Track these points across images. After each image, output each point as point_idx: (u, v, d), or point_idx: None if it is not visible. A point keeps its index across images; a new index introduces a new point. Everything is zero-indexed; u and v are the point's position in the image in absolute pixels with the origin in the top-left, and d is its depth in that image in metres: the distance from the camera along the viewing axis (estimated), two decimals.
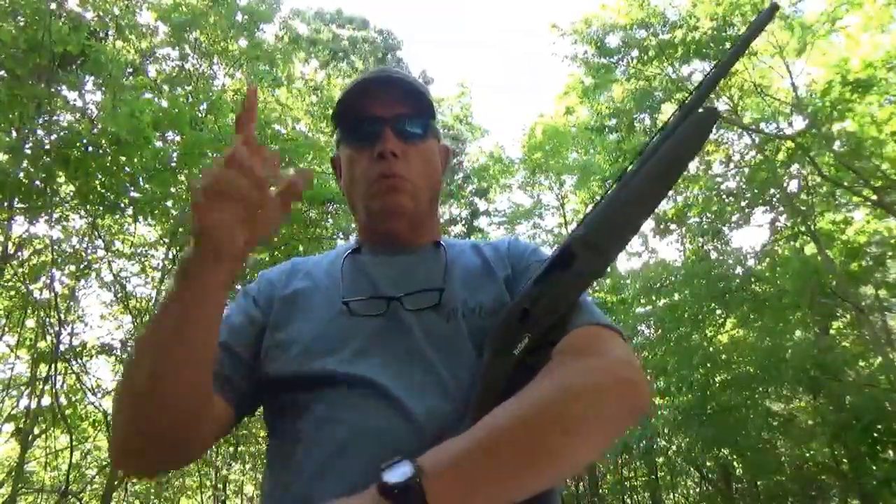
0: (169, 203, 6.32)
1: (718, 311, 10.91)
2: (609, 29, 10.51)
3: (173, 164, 5.93)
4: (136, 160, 5.42)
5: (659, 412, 11.54)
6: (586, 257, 0.78)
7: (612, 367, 0.72)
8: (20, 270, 6.14)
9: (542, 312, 0.78)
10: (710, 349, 10.64)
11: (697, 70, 10.54)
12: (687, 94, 0.84)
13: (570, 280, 0.79)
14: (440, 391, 0.78)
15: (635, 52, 10.39)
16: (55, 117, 5.54)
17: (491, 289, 0.91)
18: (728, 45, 9.15)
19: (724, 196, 11.02)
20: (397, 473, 0.59)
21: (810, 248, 9.89)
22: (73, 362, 6.28)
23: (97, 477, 8.12)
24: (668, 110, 10.80)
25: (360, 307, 0.87)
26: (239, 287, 1.00)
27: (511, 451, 0.62)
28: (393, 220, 0.95)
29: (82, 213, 6.25)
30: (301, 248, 6.97)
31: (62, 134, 5.14)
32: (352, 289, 0.90)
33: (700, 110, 0.82)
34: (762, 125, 10.54)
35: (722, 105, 10.84)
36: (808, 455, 10.94)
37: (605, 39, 10.57)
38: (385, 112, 0.94)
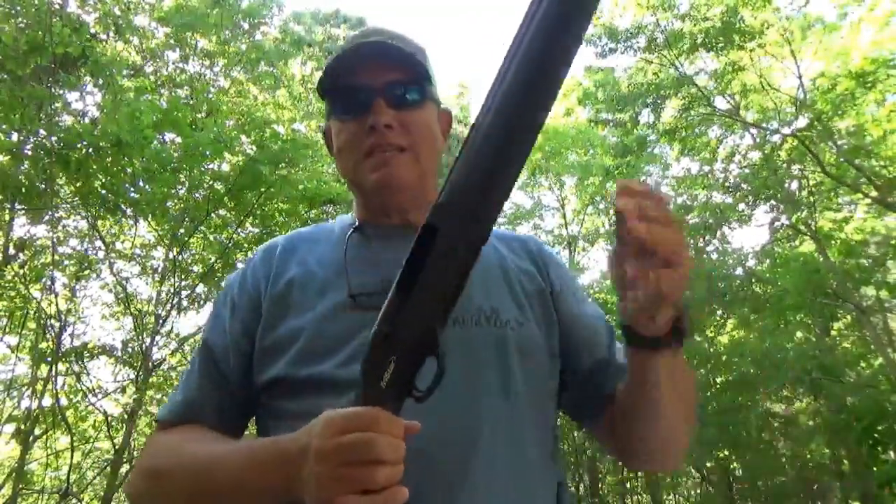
0: (169, 204, 6.33)
1: (719, 312, 10.90)
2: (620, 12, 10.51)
3: (173, 166, 5.94)
4: (136, 161, 5.42)
5: None
6: (452, 228, 0.60)
7: None
8: (21, 272, 6.14)
9: (409, 326, 0.63)
10: (711, 350, 10.63)
11: (702, 71, 10.54)
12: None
13: (440, 266, 0.60)
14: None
15: (643, 41, 10.33)
16: (56, 118, 5.54)
17: (506, 301, 0.85)
18: (737, 36, 9.11)
19: (729, 188, 10.97)
20: None
21: (810, 247, 9.89)
22: (74, 363, 6.28)
23: (98, 478, 8.12)
24: (672, 108, 10.80)
25: (368, 300, 0.79)
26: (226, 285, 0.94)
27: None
28: (392, 194, 0.87)
29: (83, 213, 6.25)
30: None
31: (63, 135, 5.13)
32: (360, 279, 0.82)
33: None
34: (764, 124, 10.55)
35: (724, 103, 10.85)
36: (808, 456, 10.94)
37: (614, 24, 10.56)
38: (375, 81, 0.85)
